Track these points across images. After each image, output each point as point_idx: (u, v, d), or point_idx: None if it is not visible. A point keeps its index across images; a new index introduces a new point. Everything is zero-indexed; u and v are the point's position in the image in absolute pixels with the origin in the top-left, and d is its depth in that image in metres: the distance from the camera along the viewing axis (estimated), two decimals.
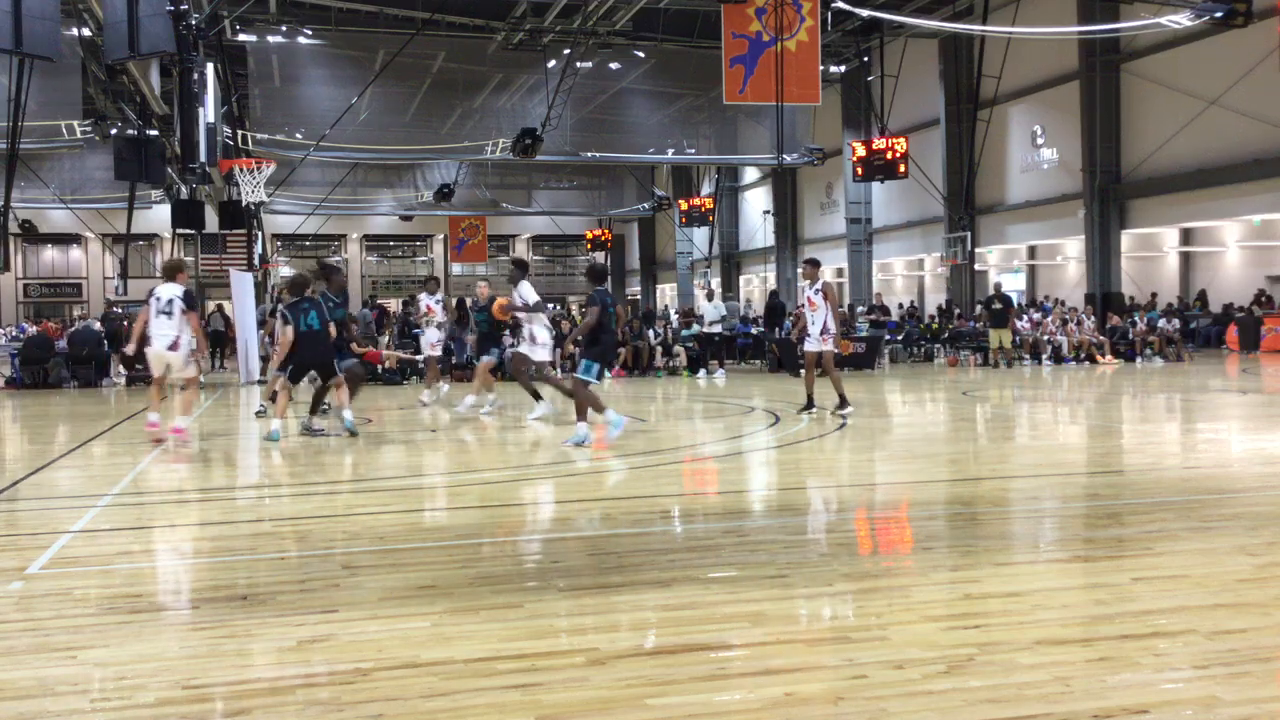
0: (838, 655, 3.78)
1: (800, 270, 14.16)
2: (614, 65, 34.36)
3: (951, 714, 3.19)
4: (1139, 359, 24.17)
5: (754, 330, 26.98)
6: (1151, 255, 33.42)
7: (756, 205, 47.85)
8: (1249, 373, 19.55)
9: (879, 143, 29.99)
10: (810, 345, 12.66)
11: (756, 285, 48.84)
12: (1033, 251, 36.74)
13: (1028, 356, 23.90)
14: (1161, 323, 25.70)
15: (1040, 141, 34.29)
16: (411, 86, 34.65)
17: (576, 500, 7.32)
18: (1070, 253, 35.02)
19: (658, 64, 34.36)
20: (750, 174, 48.66)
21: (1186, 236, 32.27)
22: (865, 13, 27.18)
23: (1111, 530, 5.93)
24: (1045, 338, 24.48)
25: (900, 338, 28.25)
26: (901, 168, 29.73)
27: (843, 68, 36.94)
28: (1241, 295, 29.24)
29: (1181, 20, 23.51)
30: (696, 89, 35.75)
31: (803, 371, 13.17)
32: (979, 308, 26.01)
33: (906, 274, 43.65)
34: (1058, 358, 24.01)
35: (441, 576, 4.94)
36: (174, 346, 10.30)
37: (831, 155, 38.55)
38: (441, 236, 55.20)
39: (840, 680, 3.52)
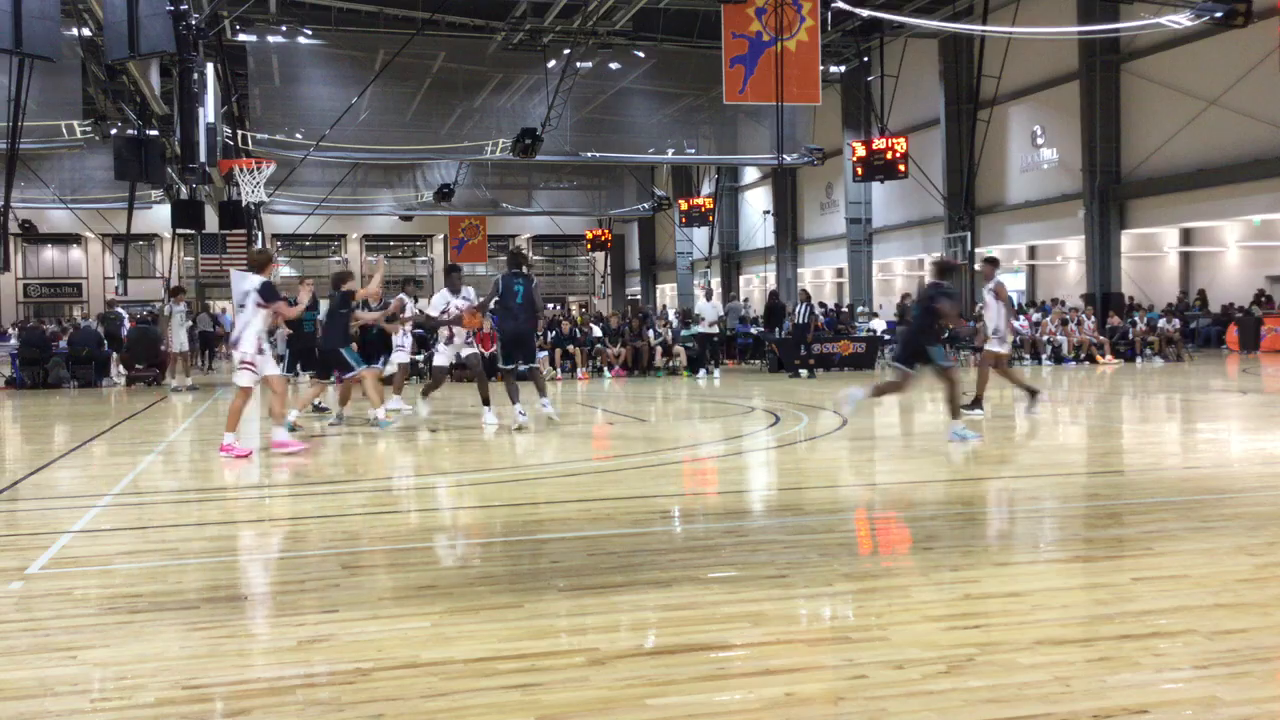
0: (838, 655, 3.78)
1: (978, 268, 13.99)
2: (614, 65, 34.37)
3: (951, 714, 3.19)
4: (1139, 359, 24.17)
5: (754, 330, 26.98)
6: (1151, 255, 33.41)
7: (756, 205, 47.86)
8: (1249, 373, 19.55)
9: (879, 143, 29.99)
10: (991, 345, 12.55)
11: (756, 285, 48.85)
12: (1033, 251, 36.75)
13: (1027, 357, 23.90)
14: (1161, 323, 25.69)
15: (1040, 141, 34.30)
16: (411, 86, 34.66)
17: (576, 500, 7.32)
18: (1070, 253, 35.02)
19: (658, 64, 34.37)
20: (750, 174, 48.67)
21: (1186, 236, 32.27)
22: (865, 13, 27.18)
23: (1111, 530, 5.93)
24: (1045, 338, 24.48)
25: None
26: (901, 168, 29.72)
27: (843, 68, 36.95)
28: (1241, 295, 29.24)
29: (1181, 20, 23.52)
30: (696, 89, 35.75)
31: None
32: (978, 308, 25.98)
33: (906, 274, 43.62)
34: (1057, 358, 24.01)
35: (442, 576, 4.94)
36: (236, 344, 9.67)
37: (831, 155, 38.57)
38: (441, 236, 55.22)
39: (840, 680, 3.52)
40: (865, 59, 34.15)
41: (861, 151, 30.34)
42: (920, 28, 30.24)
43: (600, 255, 55.26)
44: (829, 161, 38.19)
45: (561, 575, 4.95)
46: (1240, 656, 3.66)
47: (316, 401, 13.72)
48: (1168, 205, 30.41)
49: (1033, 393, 12.25)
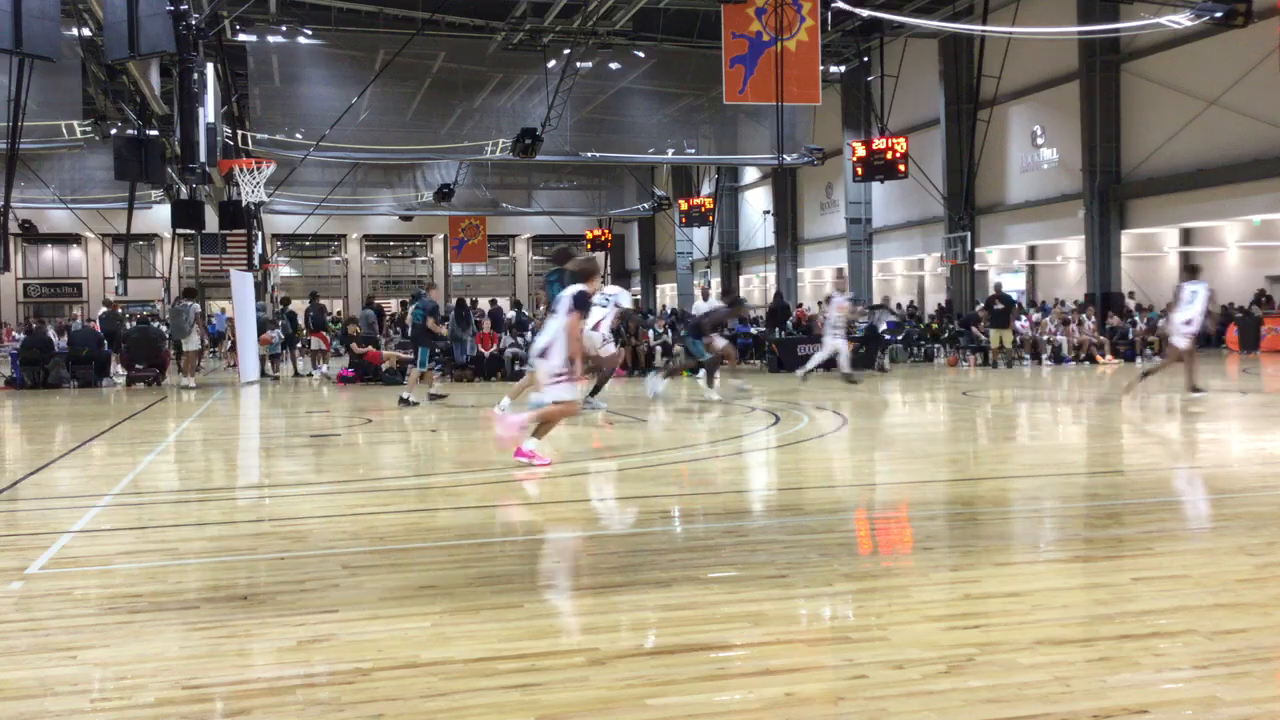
0: (838, 655, 3.78)
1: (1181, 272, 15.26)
2: (614, 65, 34.38)
3: (951, 714, 3.19)
4: (1139, 359, 24.17)
5: (754, 330, 26.98)
6: (1151, 255, 33.40)
7: (756, 205, 47.86)
8: (1249, 373, 19.55)
9: (879, 143, 29.99)
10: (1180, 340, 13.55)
11: (756, 285, 48.85)
12: (1033, 251, 36.75)
13: (1028, 357, 23.91)
14: (1161, 323, 25.68)
15: (1040, 141, 34.31)
16: (411, 86, 34.68)
17: (576, 500, 7.33)
18: (1070, 253, 35.03)
19: (658, 64, 34.38)
20: (750, 174, 48.67)
21: (1186, 236, 32.26)
22: (865, 13, 27.18)
23: (1111, 530, 5.93)
24: (1045, 338, 24.48)
25: (900, 338, 28.23)
26: (901, 168, 29.72)
27: (843, 68, 36.96)
28: (1241, 295, 29.25)
29: (1181, 20, 23.52)
30: (696, 89, 35.78)
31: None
32: (979, 307, 26.00)
33: (907, 274, 43.66)
34: (1058, 358, 24.02)
35: (442, 576, 4.94)
36: (542, 354, 8.69)
37: (831, 155, 38.57)
38: (441, 236, 55.24)
39: (840, 680, 3.52)
40: (865, 59, 34.15)
41: (861, 151, 30.34)
42: (920, 28, 30.25)
43: (600, 255, 55.24)
44: (829, 161, 38.21)
45: (562, 575, 4.95)
46: (1240, 656, 3.66)
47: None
48: (1168, 205, 30.40)
49: (1196, 389, 13.44)
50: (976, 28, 27.69)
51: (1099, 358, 23.94)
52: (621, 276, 59.11)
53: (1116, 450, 9.78)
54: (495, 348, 21.25)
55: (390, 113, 35.05)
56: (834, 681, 3.52)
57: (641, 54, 33.13)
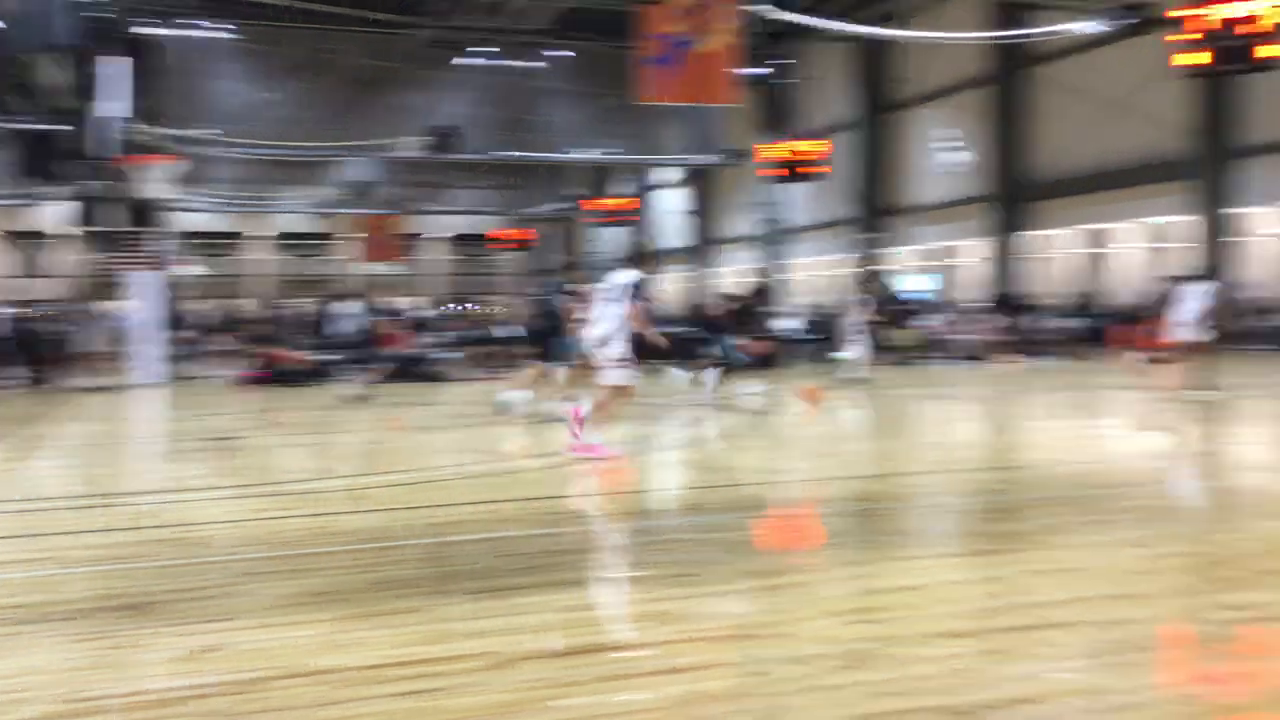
0: (741, 652, 3.80)
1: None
2: (534, 64, 34.25)
3: (849, 707, 3.23)
4: (1039, 358, 24.78)
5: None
6: (1054, 256, 34.32)
7: (676, 206, 48.09)
8: (1140, 371, 20.15)
9: (795, 144, 30.34)
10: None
11: (673, 284, 49.07)
12: (942, 252, 37.50)
13: (932, 355, 24.33)
14: (1061, 322, 26.40)
15: (950, 145, 35.01)
16: (325, 82, 34.16)
17: (485, 502, 7.27)
18: (977, 254, 35.81)
19: (579, 63, 34.36)
20: (669, 174, 48.87)
21: (1088, 238, 33.19)
22: (782, 16, 27.46)
23: (1008, 525, 6.07)
24: (948, 337, 24.96)
25: (813, 338, 28.55)
26: (817, 169, 30.10)
27: (759, 70, 37.29)
28: (1138, 295, 30.19)
29: (1088, 27, 24.17)
30: (617, 89, 35.80)
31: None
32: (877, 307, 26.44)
33: (820, 274, 44.22)
34: (961, 357, 24.49)
35: (341, 582, 4.86)
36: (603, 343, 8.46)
37: (748, 156, 38.93)
38: (354, 235, 54.41)
39: (743, 677, 3.55)
40: (782, 61, 34.50)
41: (777, 153, 30.65)
42: (835, 32, 30.62)
43: (518, 256, 55.03)
44: (746, 162, 38.56)
45: (466, 578, 4.90)
46: (1129, 646, 3.76)
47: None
48: (1070, 207, 31.27)
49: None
50: (889, 32, 28.15)
51: (1001, 356, 24.46)
52: (537, 277, 58.86)
53: (1015, 446, 10.02)
54: (409, 347, 21.00)
55: (302, 108, 34.47)
56: (737, 678, 3.55)
57: (562, 53, 33.07)
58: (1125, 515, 6.23)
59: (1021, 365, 17.45)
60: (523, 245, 51.62)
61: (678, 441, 10.58)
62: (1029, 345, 25.14)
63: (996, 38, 28.66)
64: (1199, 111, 26.98)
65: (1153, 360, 13.78)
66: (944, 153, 34.06)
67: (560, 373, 11.76)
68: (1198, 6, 23.29)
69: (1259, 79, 24.93)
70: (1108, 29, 23.59)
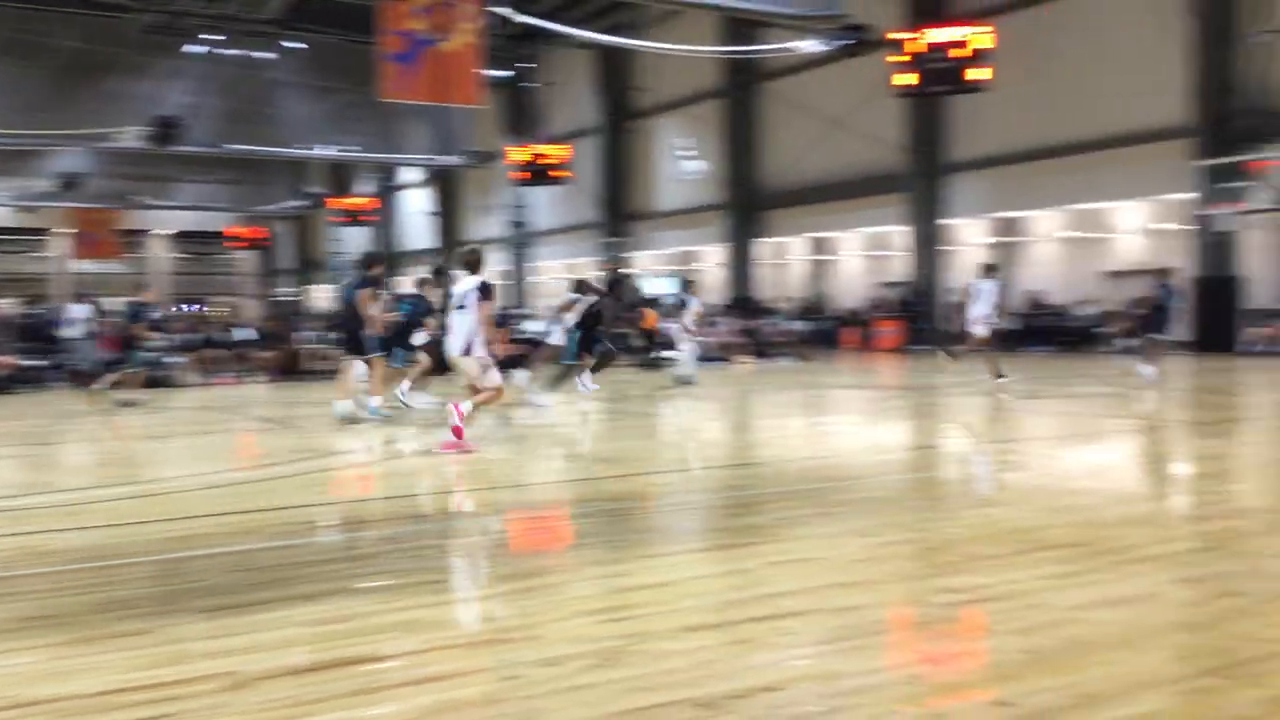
0: (493, 657, 3.78)
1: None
2: (266, 54, 32.76)
3: (600, 706, 3.27)
4: (772, 359, 25.97)
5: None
6: (783, 262, 36.10)
7: (418, 206, 47.28)
8: (865, 371, 21.55)
9: (539, 148, 30.49)
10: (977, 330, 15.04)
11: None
12: (681, 257, 38.66)
13: (669, 356, 24.97)
14: (793, 324, 27.79)
15: (688, 153, 36.13)
16: (37, 65, 31.35)
17: (222, 514, 6.89)
18: (713, 259, 37.17)
19: (313, 56, 33.12)
20: (412, 174, 47.99)
21: (814, 245, 35.11)
22: (524, 19, 27.51)
23: (747, 519, 6.32)
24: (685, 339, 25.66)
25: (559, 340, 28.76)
26: (561, 173, 30.37)
27: (504, 72, 37.24)
28: (859, 300, 32.22)
29: (813, 46, 25.51)
30: (355, 84, 34.73)
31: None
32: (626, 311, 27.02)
33: (564, 278, 44.60)
34: (697, 358, 25.28)
35: (58, 605, 4.48)
36: (467, 351, 8.91)
37: (493, 158, 38.80)
38: (67, 231, 50.35)
39: (495, 683, 3.52)
40: (527, 64, 34.58)
41: (522, 156, 30.70)
42: (577, 38, 31.02)
43: (249, 255, 52.58)
44: (490, 165, 38.40)
45: (200, 596, 4.63)
46: (858, 631, 3.99)
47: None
48: (800, 216, 33.00)
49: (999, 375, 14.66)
50: (628, 41, 28.77)
51: (736, 357, 25.47)
52: (272, 277, 56.46)
53: (752, 444, 10.47)
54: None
55: (10, 93, 31.51)
56: (490, 684, 3.52)
57: (295, 44, 31.79)
58: (853, 507, 6.62)
59: (753, 366, 18.25)
60: (257, 244, 49.33)
61: (427, 446, 10.40)
62: (763, 346, 26.30)
63: (727, 53, 29.82)
64: (913, 129, 29.11)
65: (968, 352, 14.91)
66: (683, 161, 35.14)
67: (373, 369, 11.78)
68: (911, 30, 25.13)
69: (964, 100, 27.17)
70: (830, 49, 25.01)
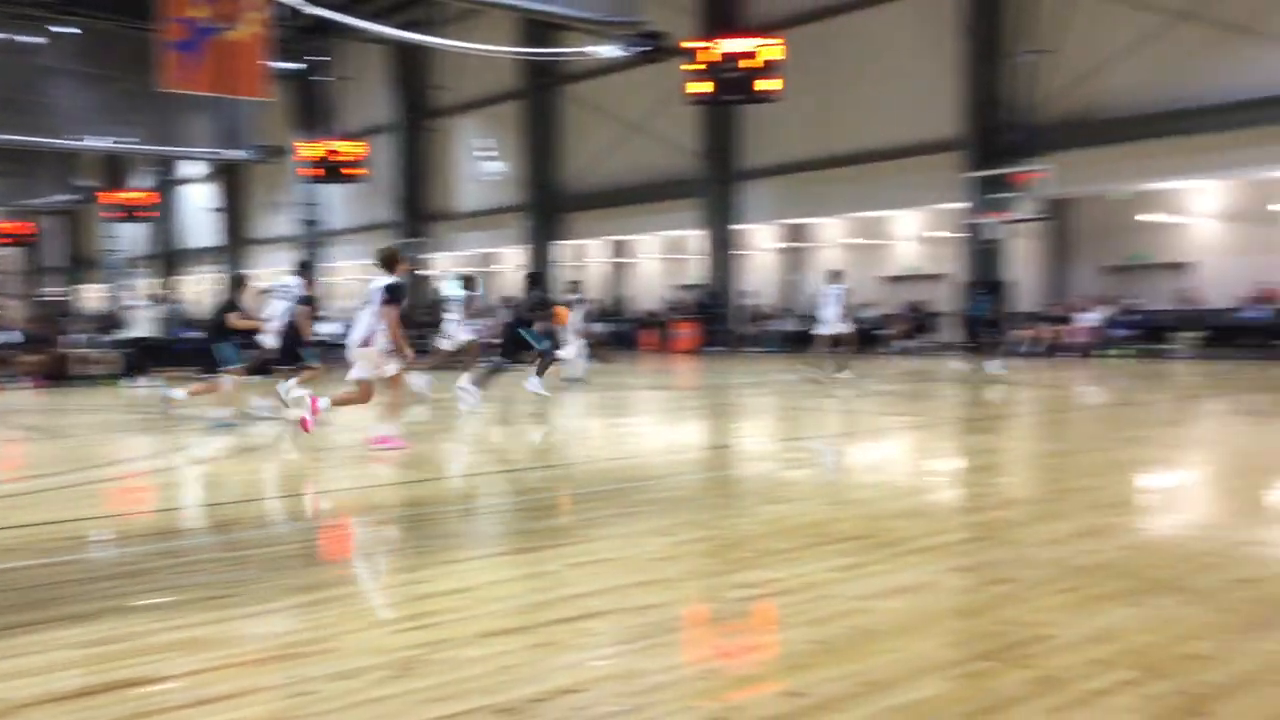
0: (284, 673, 3.63)
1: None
2: (34, 39, 30.50)
3: (396, 718, 3.19)
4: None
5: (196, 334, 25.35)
6: (583, 264, 36.34)
7: (202, 202, 45.12)
8: (663, 371, 21.92)
9: (333, 144, 29.62)
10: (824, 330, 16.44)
11: (204, 286, 46.09)
12: (482, 259, 38.39)
13: (470, 359, 24.77)
14: (590, 326, 27.96)
15: (487, 154, 35.90)
16: None
17: None
18: (515, 261, 37.05)
19: (87, 41, 31.08)
20: (195, 168, 45.76)
21: (613, 248, 35.52)
22: (315, 11, 26.63)
23: (549, 521, 6.32)
24: (495, 340, 25.54)
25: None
26: (355, 171, 29.59)
27: (295, 65, 35.97)
28: (657, 302, 32.80)
29: (611, 52, 25.73)
30: (132, 72, 32.84)
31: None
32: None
33: (360, 279, 43.53)
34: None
35: None
36: (366, 343, 9.03)
37: (283, 154, 37.46)
38: None
39: (286, 699, 3.38)
40: (319, 58, 33.52)
41: (314, 152, 29.76)
42: (372, 33, 30.27)
43: (13, 252, 48.89)
44: (281, 160, 37.07)
45: None
46: (658, 629, 4.04)
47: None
48: (597, 219, 33.29)
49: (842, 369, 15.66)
50: (423, 38, 28.23)
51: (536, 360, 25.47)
52: (38, 275, 52.74)
53: (553, 446, 10.47)
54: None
55: None
56: (280, 701, 3.37)
57: (65, 29, 29.74)
58: (652, 506, 6.72)
59: (555, 367, 18.31)
60: (23, 240, 45.92)
61: (211, 454, 9.92)
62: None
63: (524, 54, 29.77)
64: (708, 136, 29.85)
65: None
66: (482, 161, 34.88)
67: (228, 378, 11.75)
68: (705, 40, 25.73)
69: (756, 110, 28.05)
70: (627, 54, 25.32)
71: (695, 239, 31.22)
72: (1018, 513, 6.41)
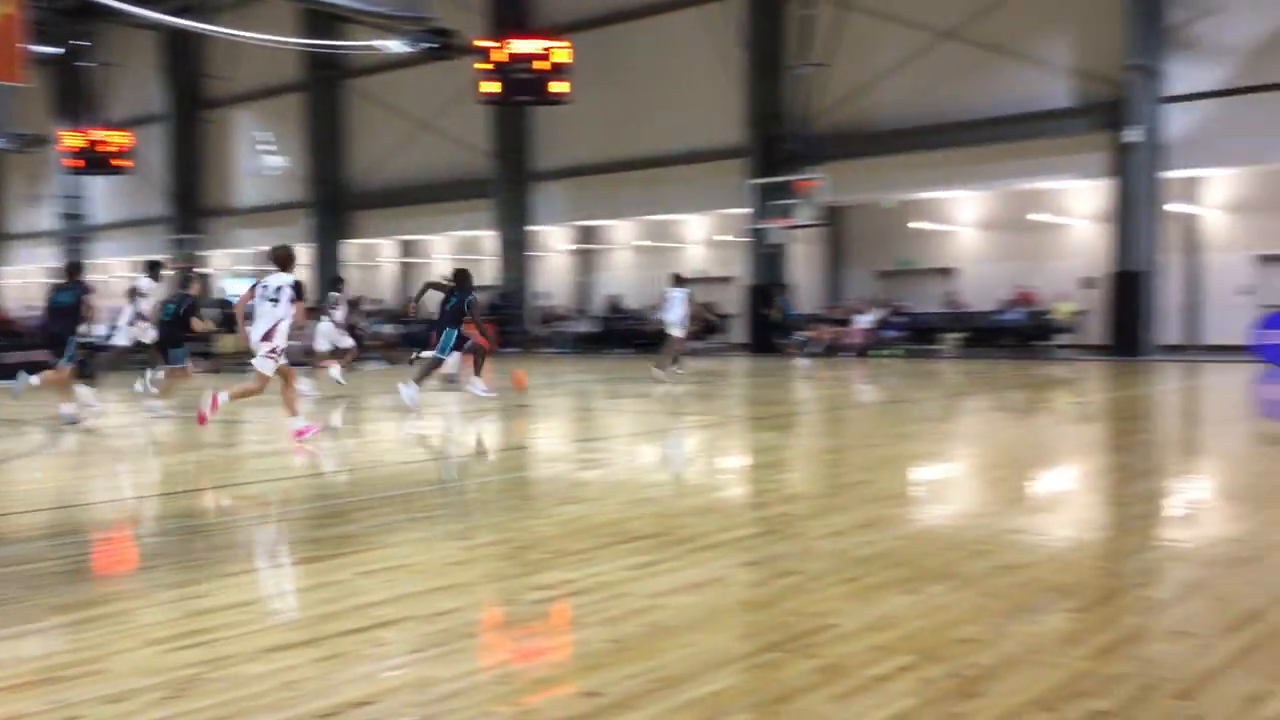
0: (46, 698, 3.37)
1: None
2: None
3: None
4: (363, 362, 25.46)
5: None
6: (374, 264, 35.50)
7: None
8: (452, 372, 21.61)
9: (98, 134, 27.84)
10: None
11: None
12: (263, 257, 36.97)
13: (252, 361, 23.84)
14: (383, 327, 27.41)
15: (268, 148, 34.56)
16: None
17: None
18: (300, 259, 35.85)
19: None
20: None
21: (404, 248, 34.84)
22: None
23: (338, 528, 6.13)
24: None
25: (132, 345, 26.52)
26: (124, 162, 27.93)
27: (54, 49, 33.57)
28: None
29: (396, 46, 25.22)
30: None
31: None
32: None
33: (128, 276, 41.14)
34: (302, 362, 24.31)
35: None
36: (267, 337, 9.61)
37: (43, 143, 34.89)
38: None
39: None
40: (81, 42, 31.41)
41: (78, 141, 27.89)
42: (139, 17, 28.59)
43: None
44: (43, 151, 34.50)
45: None
46: (453, 635, 3.99)
47: None
48: (387, 218, 32.58)
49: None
50: (197, 25, 26.90)
51: (327, 363, 24.71)
52: None
53: (343, 450, 10.17)
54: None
55: None
56: None
57: None
58: (446, 510, 6.63)
59: (343, 369, 17.77)
60: None
61: None
62: (364, 348, 25.67)
63: (304, 45, 28.81)
64: (500, 136, 29.69)
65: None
66: (263, 156, 33.56)
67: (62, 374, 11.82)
68: (495, 40, 25.61)
69: (548, 112, 28.10)
70: (413, 50, 24.89)
71: (488, 240, 31.00)
72: (801, 507, 6.67)
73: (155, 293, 14.15)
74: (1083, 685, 3.33)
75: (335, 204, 33.06)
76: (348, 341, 16.82)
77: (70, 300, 11.86)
